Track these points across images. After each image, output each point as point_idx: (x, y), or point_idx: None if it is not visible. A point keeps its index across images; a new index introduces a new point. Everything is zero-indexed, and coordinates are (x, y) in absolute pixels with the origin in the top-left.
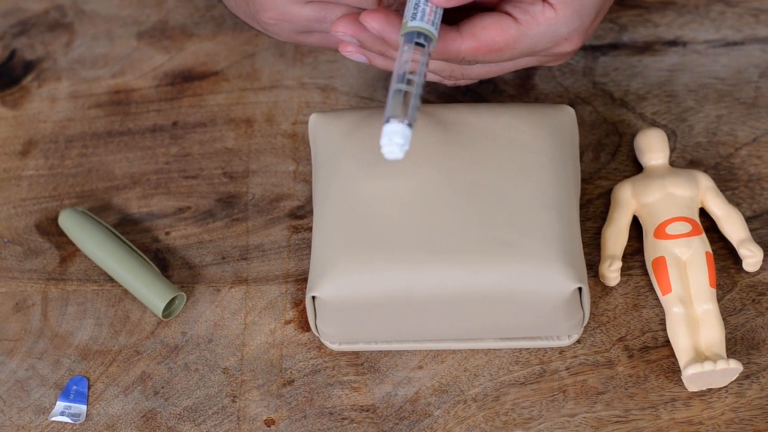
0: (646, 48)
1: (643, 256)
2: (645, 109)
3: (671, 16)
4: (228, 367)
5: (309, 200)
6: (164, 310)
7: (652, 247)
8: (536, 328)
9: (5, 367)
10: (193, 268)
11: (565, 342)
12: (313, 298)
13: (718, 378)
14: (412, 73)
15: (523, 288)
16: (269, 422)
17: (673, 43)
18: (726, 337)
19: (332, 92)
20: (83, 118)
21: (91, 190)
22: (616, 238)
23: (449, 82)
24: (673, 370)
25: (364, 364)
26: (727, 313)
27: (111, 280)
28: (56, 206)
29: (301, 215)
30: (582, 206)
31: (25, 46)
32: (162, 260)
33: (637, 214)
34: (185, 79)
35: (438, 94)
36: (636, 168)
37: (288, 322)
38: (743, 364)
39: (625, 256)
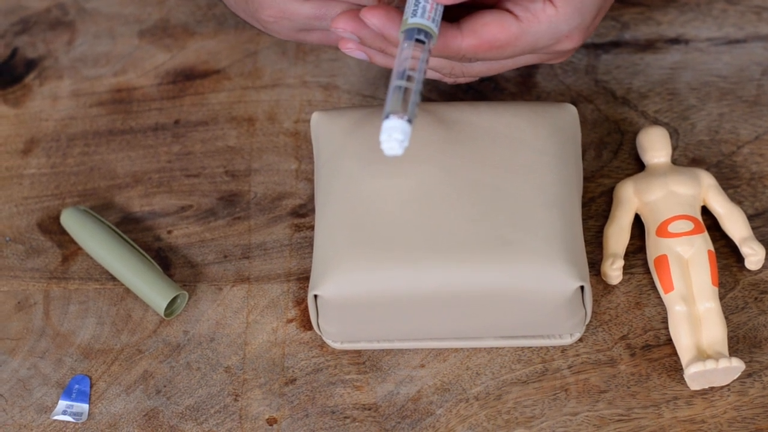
0: (648, 46)
1: (645, 254)
2: (647, 107)
3: (673, 13)
4: (230, 365)
5: (311, 199)
6: (166, 308)
7: (655, 246)
8: (538, 326)
9: (7, 366)
10: (195, 266)
11: (567, 340)
12: (315, 296)
13: (720, 376)
14: (412, 70)
15: (525, 286)
16: (271, 421)
17: (675, 41)
18: (728, 335)
19: (334, 90)
20: (85, 117)
21: (93, 189)
22: (618, 236)
23: (449, 80)
24: (675, 369)
25: (366, 362)
26: (729, 311)
27: (113, 278)
28: (58, 205)
29: (303, 214)
30: (584, 204)
31: (26, 45)
32: (164, 259)
33: (639, 213)
34: (187, 78)
35: (439, 93)
36: (638, 166)
37: (290, 321)
38: (745, 362)
39: (627, 255)
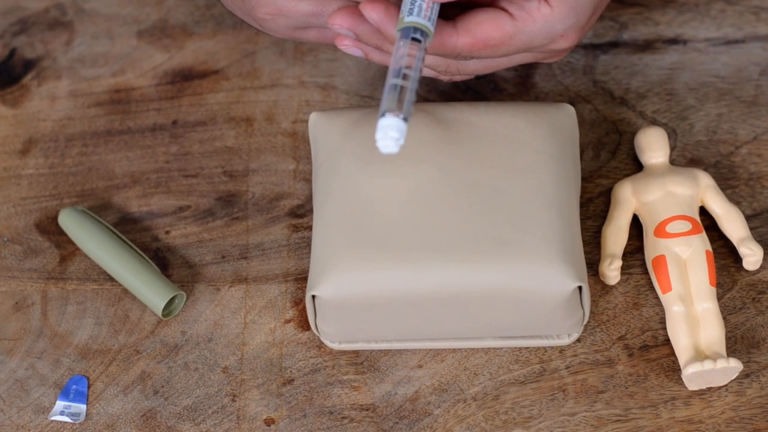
0: (647, 46)
1: (643, 254)
2: (645, 108)
3: (671, 14)
4: (228, 366)
5: (309, 199)
6: (164, 309)
7: (653, 246)
8: (536, 326)
9: (5, 366)
10: (193, 267)
11: (565, 341)
12: (313, 297)
13: (718, 377)
14: (408, 68)
15: (523, 287)
16: (269, 421)
17: (673, 41)
18: (726, 335)
19: (332, 91)
20: (83, 117)
21: (91, 189)
22: (616, 236)
23: (445, 78)
24: (673, 369)
25: (364, 363)
26: (727, 311)
27: (111, 279)
28: (56, 205)
29: (301, 214)
30: (582, 205)
31: (25, 45)
32: (162, 259)
33: (637, 213)
34: (185, 78)
35: (438, 93)
36: (636, 166)
37: (288, 321)
38: (743, 362)
39: (625, 255)
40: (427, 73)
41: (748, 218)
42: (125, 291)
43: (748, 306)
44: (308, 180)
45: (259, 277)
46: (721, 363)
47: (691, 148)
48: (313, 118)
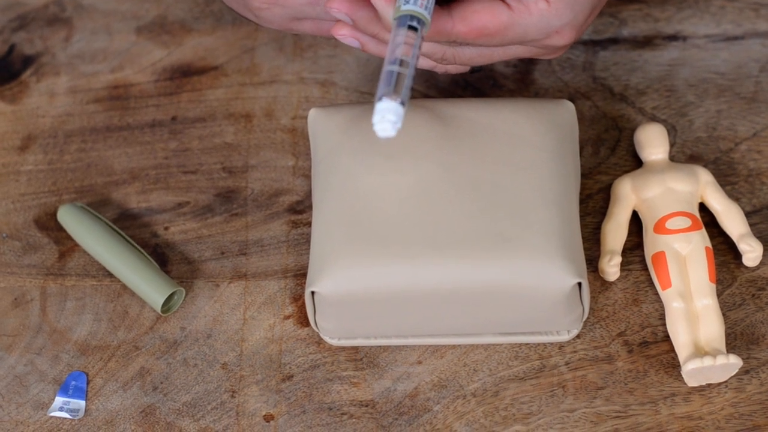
0: (646, 43)
1: (642, 251)
2: (645, 104)
3: (671, 10)
4: (227, 362)
5: (308, 195)
6: (163, 305)
7: (652, 242)
8: (536, 323)
9: (4, 362)
10: (192, 263)
11: (565, 337)
12: (313, 293)
13: (717, 373)
14: (404, 56)
15: (523, 283)
16: (268, 417)
17: (673, 37)
18: (726, 332)
19: (332, 87)
20: (82, 113)
21: (90, 185)
22: (615, 233)
23: (441, 69)
24: (672, 365)
25: (364, 359)
26: (726, 308)
27: (110, 275)
28: (55, 201)
29: (301, 210)
30: (582, 201)
31: (24, 41)
32: (161, 255)
33: (636, 209)
34: (184, 74)
35: (438, 89)
36: (636, 163)
37: (287, 318)
38: (743, 359)
39: (625, 251)
40: (424, 63)
41: (748, 215)
42: (124, 287)
43: (748, 302)
44: (307, 176)
45: (258, 273)
46: (721, 359)
47: (690, 144)
48: (313, 114)
